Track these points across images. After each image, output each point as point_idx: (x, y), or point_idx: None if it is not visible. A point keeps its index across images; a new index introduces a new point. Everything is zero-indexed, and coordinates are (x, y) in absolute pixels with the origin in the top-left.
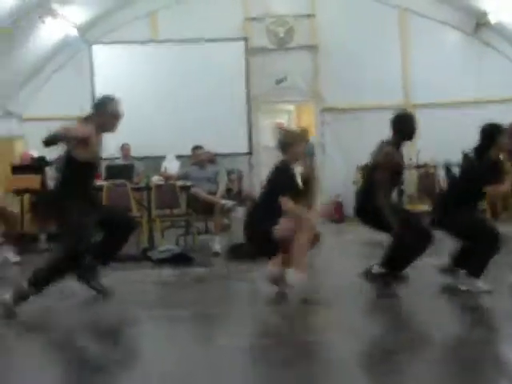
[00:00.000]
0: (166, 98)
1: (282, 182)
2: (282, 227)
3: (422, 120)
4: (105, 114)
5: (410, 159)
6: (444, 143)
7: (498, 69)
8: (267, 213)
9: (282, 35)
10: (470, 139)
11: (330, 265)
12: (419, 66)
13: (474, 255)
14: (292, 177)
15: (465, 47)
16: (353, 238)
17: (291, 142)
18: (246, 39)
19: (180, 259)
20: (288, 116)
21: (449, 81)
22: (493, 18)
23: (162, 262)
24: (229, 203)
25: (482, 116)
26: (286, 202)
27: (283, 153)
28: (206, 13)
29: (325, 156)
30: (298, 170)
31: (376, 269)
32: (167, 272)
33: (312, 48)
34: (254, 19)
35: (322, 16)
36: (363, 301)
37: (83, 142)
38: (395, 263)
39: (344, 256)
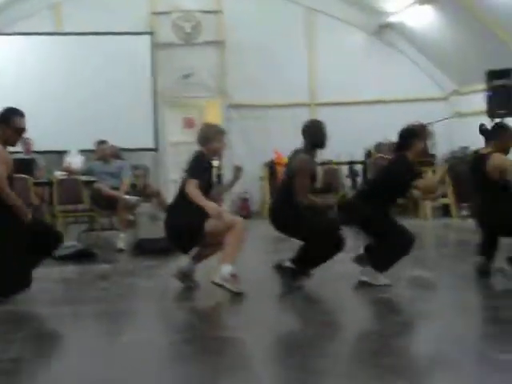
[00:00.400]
0: (70, 92)
1: (193, 168)
2: (215, 221)
3: (327, 118)
4: (9, 128)
5: None
6: (348, 141)
7: (400, 69)
8: (186, 205)
9: (188, 30)
10: (373, 137)
11: (239, 260)
12: (324, 65)
13: (384, 252)
14: (205, 167)
15: (368, 47)
16: (260, 234)
17: (211, 138)
18: (151, 33)
19: (83, 256)
20: (198, 111)
21: (353, 80)
22: (394, 19)
23: (64, 258)
24: (133, 199)
25: (385, 115)
26: (191, 185)
27: (202, 146)
28: (112, 6)
29: (231, 152)
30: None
31: (287, 264)
32: (70, 269)
33: (219, 44)
34: (160, 13)
35: (229, 12)
36: (273, 296)
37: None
38: (306, 262)
39: (252, 251)
